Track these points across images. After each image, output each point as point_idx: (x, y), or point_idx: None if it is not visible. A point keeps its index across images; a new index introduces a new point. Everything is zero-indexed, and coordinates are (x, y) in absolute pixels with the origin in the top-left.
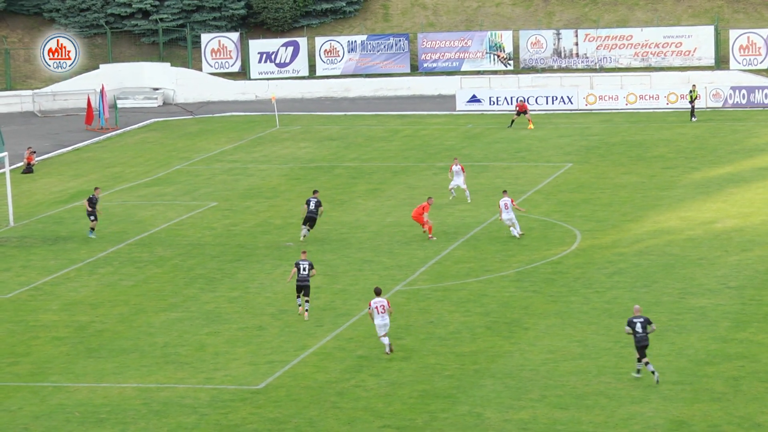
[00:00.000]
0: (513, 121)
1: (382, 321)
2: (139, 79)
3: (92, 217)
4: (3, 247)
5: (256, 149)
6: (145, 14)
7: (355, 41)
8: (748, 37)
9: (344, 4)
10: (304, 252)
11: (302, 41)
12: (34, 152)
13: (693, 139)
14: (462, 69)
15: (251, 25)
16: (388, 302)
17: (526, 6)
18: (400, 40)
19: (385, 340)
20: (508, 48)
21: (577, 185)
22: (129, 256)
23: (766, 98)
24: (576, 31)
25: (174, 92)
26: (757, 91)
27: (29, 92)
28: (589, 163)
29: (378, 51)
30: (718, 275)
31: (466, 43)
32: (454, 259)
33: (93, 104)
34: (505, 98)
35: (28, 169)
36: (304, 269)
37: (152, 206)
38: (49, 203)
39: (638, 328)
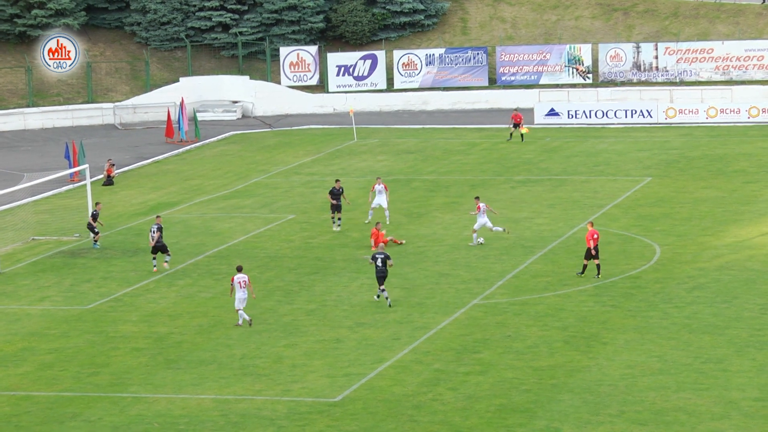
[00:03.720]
0: (511, 134)
1: (243, 295)
2: (218, 92)
3: (95, 230)
4: (84, 259)
5: (334, 162)
6: (225, 28)
7: (433, 54)
8: None
9: (422, 18)
10: (158, 216)
11: (380, 54)
12: (113, 164)
13: None
14: (540, 82)
15: (330, 38)
16: (248, 278)
17: (606, 19)
18: (478, 54)
19: (243, 314)
20: (587, 61)
21: (656, 199)
22: (207, 268)
23: None
24: (656, 45)
25: (253, 105)
26: None
27: (110, 105)
28: (668, 177)
29: (456, 64)
30: None
31: (544, 56)
32: (531, 273)
33: (173, 117)
34: (584, 112)
35: (109, 181)
36: (154, 232)
37: (231, 218)
38: (129, 215)
39: (379, 263)
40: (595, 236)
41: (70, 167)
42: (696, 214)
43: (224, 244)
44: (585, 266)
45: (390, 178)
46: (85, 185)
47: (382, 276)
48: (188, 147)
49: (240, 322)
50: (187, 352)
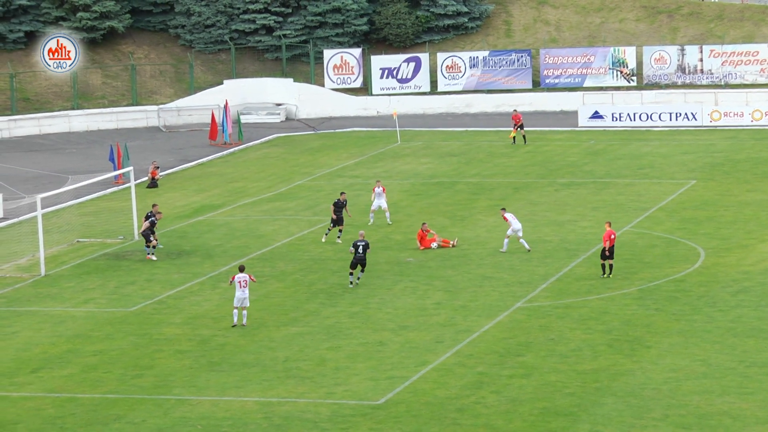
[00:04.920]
0: (515, 137)
1: (242, 295)
2: (262, 95)
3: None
4: (128, 261)
5: (377, 165)
6: (269, 30)
7: (477, 57)
8: None
9: (466, 20)
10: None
11: (424, 57)
12: (158, 167)
13: None
14: (584, 85)
15: (373, 40)
16: (250, 276)
17: (651, 22)
18: (522, 56)
19: (240, 314)
20: (632, 64)
21: (701, 202)
22: (251, 271)
23: None
24: (701, 47)
25: (296, 108)
26: None
27: (154, 107)
28: (713, 180)
29: (500, 67)
30: None
31: (588, 58)
32: (575, 276)
33: (217, 120)
34: (628, 114)
35: (153, 183)
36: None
37: (274, 221)
38: (172, 218)
39: (360, 250)
40: (612, 237)
41: (115, 170)
42: (741, 217)
43: (268, 247)
44: (603, 266)
45: (434, 180)
46: (129, 188)
47: (358, 261)
48: (232, 149)
49: (236, 321)
50: (231, 354)
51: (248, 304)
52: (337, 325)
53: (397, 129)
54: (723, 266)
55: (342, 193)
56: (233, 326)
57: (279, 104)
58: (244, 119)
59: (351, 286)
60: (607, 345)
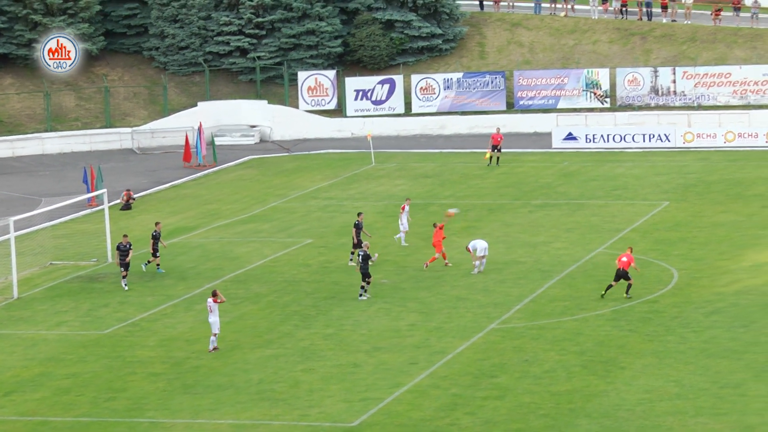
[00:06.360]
0: (495, 158)
1: (210, 319)
2: (236, 117)
3: (156, 255)
4: (101, 283)
5: (351, 186)
6: (243, 52)
7: (451, 79)
8: None
9: (440, 42)
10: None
11: (398, 79)
12: (132, 196)
13: None
14: (558, 106)
15: (348, 62)
16: (214, 299)
17: (624, 44)
18: (496, 78)
19: (212, 338)
20: (605, 85)
21: (674, 223)
22: (225, 293)
23: None
24: (674, 69)
25: (270, 129)
26: None
27: (128, 130)
28: (686, 201)
29: (474, 88)
30: None
31: (562, 80)
32: (549, 298)
33: (191, 141)
34: (602, 136)
35: (127, 205)
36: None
37: (248, 243)
38: (146, 240)
39: (360, 260)
40: (624, 259)
41: (88, 192)
42: (713, 238)
43: (242, 269)
44: (610, 286)
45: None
46: (102, 210)
47: (363, 273)
48: (206, 171)
49: (211, 348)
50: (204, 376)
51: (217, 330)
52: (311, 347)
53: (372, 151)
54: (696, 287)
55: (359, 214)
56: (211, 350)
57: (253, 126)
58: (218, 141)
59: (361, 298)
60: (581, 366)
